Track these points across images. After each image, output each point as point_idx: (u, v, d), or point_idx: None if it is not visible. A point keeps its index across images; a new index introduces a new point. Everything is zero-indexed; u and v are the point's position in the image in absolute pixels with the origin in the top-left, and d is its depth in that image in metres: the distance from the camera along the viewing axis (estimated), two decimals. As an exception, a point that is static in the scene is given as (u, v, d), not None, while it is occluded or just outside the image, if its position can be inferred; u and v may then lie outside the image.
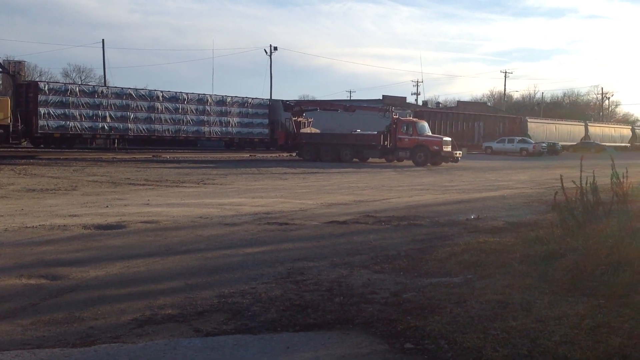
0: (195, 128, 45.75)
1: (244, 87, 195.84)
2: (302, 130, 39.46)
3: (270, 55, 74.37)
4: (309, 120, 41.02)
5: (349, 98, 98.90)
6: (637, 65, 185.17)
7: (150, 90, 45.53)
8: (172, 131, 44.17)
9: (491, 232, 9.96)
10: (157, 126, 43.42)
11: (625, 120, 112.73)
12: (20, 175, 21.43)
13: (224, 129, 47.57)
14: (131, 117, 42.08)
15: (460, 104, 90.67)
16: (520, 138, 59.37)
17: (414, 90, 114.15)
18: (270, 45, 75.03)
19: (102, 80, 67.85)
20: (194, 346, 4.70)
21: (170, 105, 44.27)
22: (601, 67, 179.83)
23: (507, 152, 56.03)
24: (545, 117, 79.16)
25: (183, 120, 44.92)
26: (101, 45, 67.04)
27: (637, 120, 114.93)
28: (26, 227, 9.95)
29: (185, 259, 7.91)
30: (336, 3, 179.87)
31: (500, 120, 67.23)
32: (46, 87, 38.90)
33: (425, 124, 37.64)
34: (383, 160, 37.60)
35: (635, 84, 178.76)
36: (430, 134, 37.17)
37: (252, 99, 49.82)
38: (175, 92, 47.13)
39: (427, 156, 35.41)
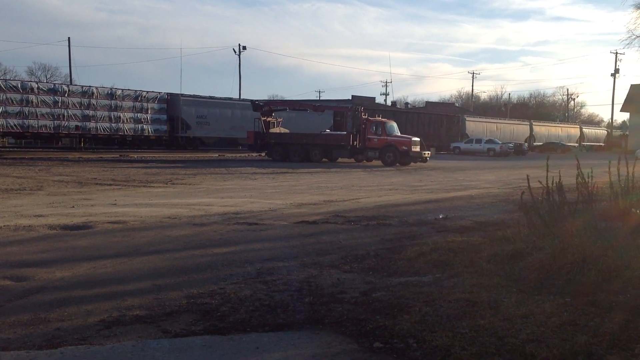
0: (79, 124, 41.69)
1: (213, 87, 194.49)
2: (271, 130, 39.35)
3: (239, 55, 74.19)
4: (279, 120, 40.91)
5: (318, 98, 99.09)
6: (601, 67, 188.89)
7: (23, 82, 41.44)
8: (51, 127, 40.13)
9: (459, 232, 10.05)
10: (32, 122, 39.20)
11: (590, 121, 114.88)
12: (-16, 174, 21.01)
13: (113, 125, 43.74)
14: None
15: (429, 104, 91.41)
16: (488, 139, 60.09)
17: (383, 90, 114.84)
18: (239, 45, 74.96)
19: (68, 79, 66.97)
20: (162, 347, 4.66)
21: (47, 99, 39.98)
22: (566, 68, 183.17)
23: (475, 153, 56.65)
24: (485, 116, 78.88)
25: (64, 115, 40.86)
26: (67, 44, 66.24)
27: (602, 121, 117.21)
28: (-10, 227, 9.75)
29: (153, 259, 7.83)
30: (304, 3, 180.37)
31: (439, 120, 64.59)
32: None
33: (394, 124, 37.82)
34: (352, 160, 37.70)
35: (600, 86, 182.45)
36: (399, 134, 37.39)
37: (147, 92, 46.24)
38: (54, 84, 44.01)
39: (396, 156, 35.62)
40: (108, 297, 6.02)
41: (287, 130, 41.20)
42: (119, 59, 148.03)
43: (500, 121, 74.46)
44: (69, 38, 66.29)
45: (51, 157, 33.28)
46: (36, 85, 40.53)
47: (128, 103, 44.40)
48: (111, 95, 44.07)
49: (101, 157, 35.02)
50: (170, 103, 47.15)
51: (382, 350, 4.62)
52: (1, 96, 37.60)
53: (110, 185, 18.66)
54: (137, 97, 45.32)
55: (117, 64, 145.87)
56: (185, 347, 4.68)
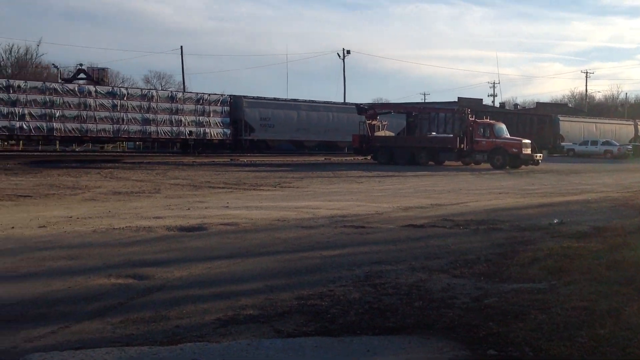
0: (139, 127, 41.70)
1: (317, 91, 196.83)
2: (377, 134, 39.35)
3: (344, 59, 74.77)
4: (384, 123, 40.84)
5: (423, 100, 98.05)
6: None
7: (80, 86, 41.86)
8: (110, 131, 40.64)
9: (576, 237, 9.65)
10: (91, 125, 39.80)
11: None
12: (107, 178, 22.30)
13: (174, 128, 43.47)
14: (57, 115, 38.56)
15: (540, 105, 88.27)
16: (605, 140, 57.29)
17: (491, 91, 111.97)
18: (343, 49, 75.41)
19: (181, 86, 69.76)
20: (275, 347, 4.77)
21: (106, 102, 40.33)
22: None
23: (591, 155, 54.14)
24: (584, 116, 73.83)
25: (123, 119, 40.96)
26: (180, 52, 69.02)
27: None
28: (113, 228, 10.33)
29: (264, 260, 8.04)
30: (408, 5, 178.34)
31: (528, 120, 58.71)
32: None
33: (503, 126, 36.84)
34: (459, 163, 37.03)
35: None
36: (508, 136, 36.38)
37: (209, 94, 45.45)
38: (112, 87, 43.22)
39: (505, 159, 34.64)
40: (223, 297, 6.24)
41: (392, 134, 41.08)
42: (229, 66, 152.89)
43: (599, 121, 69.49)
44: (181, 47, 68.81)
45: (167, 161, 34.82)
46: (94, 90, 40.97)
47: (189, 106, 44.26)
48: (172, 98, 44.21)
49: (213, 161, 36.29)
50: (234, 105, 46.52)
51: (497, 358, 4.52)
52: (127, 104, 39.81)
53: (222, 188, 19.30)
54: (199, 99, 45.08)
55: (227, 70, 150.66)
56: (297, 347, 4.77)
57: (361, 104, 44.10)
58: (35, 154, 39.10)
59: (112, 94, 41.08)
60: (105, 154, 41.68)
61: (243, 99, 47.36)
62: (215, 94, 46.37)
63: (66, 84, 41.93)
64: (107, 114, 40.24)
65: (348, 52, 75.29)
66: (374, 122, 39.66)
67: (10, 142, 45.93)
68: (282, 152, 48.92)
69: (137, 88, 46.17)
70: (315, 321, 5.43)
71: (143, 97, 42.45)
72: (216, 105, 45.59)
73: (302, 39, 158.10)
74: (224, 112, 45.78)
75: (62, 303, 5.87)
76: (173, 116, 43.19)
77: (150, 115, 42.13)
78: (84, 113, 39.37)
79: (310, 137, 50.70)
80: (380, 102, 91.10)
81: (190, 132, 43.39)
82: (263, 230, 10.45)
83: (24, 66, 77.74)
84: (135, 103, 41.54)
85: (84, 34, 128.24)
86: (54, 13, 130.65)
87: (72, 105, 38.87)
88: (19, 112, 37.02)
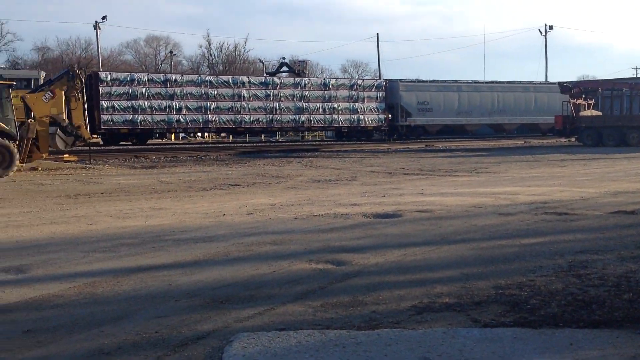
0: (292, 117, 42.18)
1: (516, 71, 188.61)
2: (582, 114, 36.95)
3: (545, 36, 71.20)
4: (590, 102, 38.24)
5: (635, 76, 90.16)
6: None
7: (234, 77, 42.90)
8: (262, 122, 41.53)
9: None
10: (245, 117, 40.79)
11: None
12: (307, 167, 23.34)
13: (327, 116, 43.21)
14: (211, 107, 39.69)
15: None
16: None
17: None
18: (545, 25, 71.67)
19: (377, 74, 70.68)
20: (472, 336, 4.71)
21: (259, 92, 41.18)
22: None
23: None
24: None
25: (276, 109, 41.54)
26: (375, 40, 69.91)
27: None
28: (313, 215, 10.81)
29: (459, 248, 7.94)
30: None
31: None
32: (108, 77, 37.46)
33: None
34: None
35: None
36: None
37: (363, 79, 44.06)
38: (265, 77, 43.09)
39: None
40: (418, 284, 6.28)
41: (599, 113, 38.34)
42: (423, 51, 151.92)
43: None
44: (377, 34, 69.56)
45: (363, 149, 35.60)
46: (247, 80, 42.30)
47: (343, 93, 43.99)
48: (325, 85, 44.00)
49: (408, 147, 36.46)
50: (389, 90, 45.64)
51: None
52: (213, 92, 39.91)
53: (417, 174, 19.33)
54: (352, 86, 44.74)
55: (421, 55, 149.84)
56: (495, 337, 4.67)
57: (565, 82, 41.57)
58: (244, 145, 41.94)
59: (264, 84, 42.12)
60: (305, 143, 43.49)
61: (399, 82, 46.65)
62: (370, 79, 46.55)
63: (220, 76, 43.88)
64: (260, 104, 41.34)
65: (550, 27, 71.62)
66: (579, 102, 37.28)
67: (205, 134, 49.12)
68: (438, 137, 47.54)
69: (289, 77, 46.74)
70: (514, 312, 5.28)
71: (295, 85, 43.22)
72: (370, 90, 45.34)
73: (500, 18, 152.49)
74: (378, 97, 45.37)
75: (267, 286, 6.28)
76: (326, 104, 43.48)
77: (303, 104, 42.70)
78: (237, 104, 40.79)
79: (473, 120, 48.71)
80: (585, 79, 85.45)
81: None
82: (458, 217, 10.32)
83: (233, 62, 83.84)
84: (287, 92, 42.32)
85: (286, 28, 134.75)
86: (259, 10, 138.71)
87: (226, 97, 40.39)
88: (176, 106, 38.92)
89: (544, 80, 60.49)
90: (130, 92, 37.48)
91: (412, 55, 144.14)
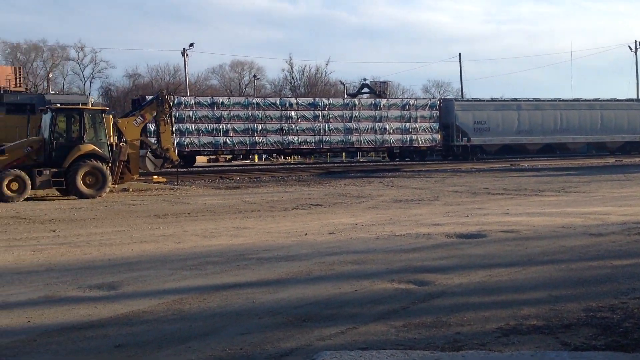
0: (341, 137, 41.83)
1: (605, 88, 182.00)
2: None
3: (636, 52, 68.80)
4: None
5: None
6: None
7: (282, 99, 42.79)
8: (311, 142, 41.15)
9: None
10: (292, 138, 40.58)
11: None
12: (388, 187, 23.24)
13: (378, 137, 42.73)
14: (259, 129, 39.70)
15: None
16: None
17: None
18: (635, 41, 69.33)
19: (459, 94, 69.82)
20: (562, 359, 4.55)
21: (307, 114, 40.97)
22: None
23: None
24: None
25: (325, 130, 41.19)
26: (457, 59, 69.15)
27: None
28: (395, 235, 10.74)
29: (547, 269, 7.70)
30: None
31: None
32: None
33: None
34: None
35: None
36: None
37: (416, 99, 43.61)
38: (314, 99, 43.09)
39: None
40: (504, 305, 6.12)
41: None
42: (507, 69, 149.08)
43: None
44: (459, 54, 68.85)
45: (445, 168, 35.16)
46: (295, 102, 42.36)
47: (394, 112, 43.66)
48: (375, 106, 43.73)
49: (492, 167, 35.74)
50: (444, 110, 45.09)
51: None
52: (260, 114, 40.16)
53: (502, 194, 18.90)
54: (405, 106, 44.33)
55: (506, 74, 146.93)
56: (586, 362, 4.49)
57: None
58: (325, 165, 42.26)
59: (313, 105, 42.27)
60: (386, 163, 43.40)
61: (454, 102, 46.43)
62: (423, 99, 46.67)
63: (267, 98, 44.43)
64: (308, 125, 41.48)
65: (640, 43, 68.84)
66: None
67: (286, 156, 50.03)
68: (497, 157, 46.31)
69: (339, 98, 47.07)
70: (606, 335, 5.07)
71: (345, 106, 43.25)
72: (424, 110, 45.05)
73: (588, 34, 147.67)
74: (432, 117, 44.99)
75: (349, 305, 6.28)
76: (377, 124, 43.36)
77: (353, 125, 42.68)
78: (285, 126, 41.04)
79: (535, 139, 47.24)
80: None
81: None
82: (546, 238, 10.01)
83: (315, 84, 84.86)
84: (337, 113, 42.43)
85: (367, 49, 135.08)
86: (341, 33, 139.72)
87: (273, 119, 40.68)
88: (222, 128, 39.50)
89: (635, 97, 58.08)
90: (178, 115, 38.37)
91: (496, 74, 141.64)
